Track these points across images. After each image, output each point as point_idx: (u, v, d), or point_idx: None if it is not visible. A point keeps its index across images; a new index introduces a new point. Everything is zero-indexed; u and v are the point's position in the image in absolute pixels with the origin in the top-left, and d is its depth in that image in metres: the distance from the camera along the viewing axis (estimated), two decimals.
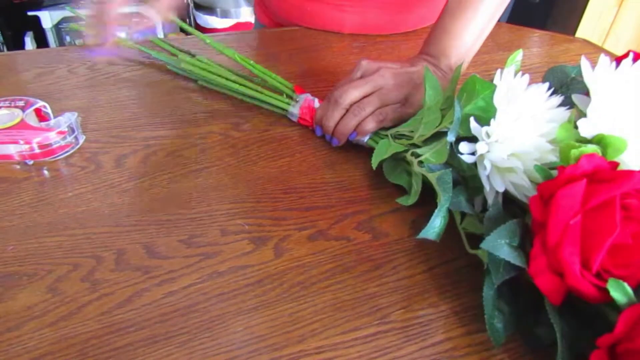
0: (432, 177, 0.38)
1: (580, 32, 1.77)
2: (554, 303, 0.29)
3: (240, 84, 0.53)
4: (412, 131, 0.44)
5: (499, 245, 0.31)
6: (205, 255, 0.37)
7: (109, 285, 0.34)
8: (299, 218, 0.41)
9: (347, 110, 0.47)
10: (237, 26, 1.92)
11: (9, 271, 0.35)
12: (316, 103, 0.51)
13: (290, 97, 0.52)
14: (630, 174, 0.28)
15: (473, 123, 0.37)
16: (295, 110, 0.51)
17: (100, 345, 0.31)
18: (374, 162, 0.43)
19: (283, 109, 0.52)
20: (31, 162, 0.45)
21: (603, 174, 0.30)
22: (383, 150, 0.44)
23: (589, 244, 0.28)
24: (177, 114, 0.53)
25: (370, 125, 0.46)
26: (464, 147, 0.37)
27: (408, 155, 0.42)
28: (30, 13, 1.69)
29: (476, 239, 0.34)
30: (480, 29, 0.53)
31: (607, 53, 0.36)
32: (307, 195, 0.43)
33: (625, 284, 0.27)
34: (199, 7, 2.01)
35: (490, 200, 0.37)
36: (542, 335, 0.32)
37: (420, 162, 0.40)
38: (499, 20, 0.54)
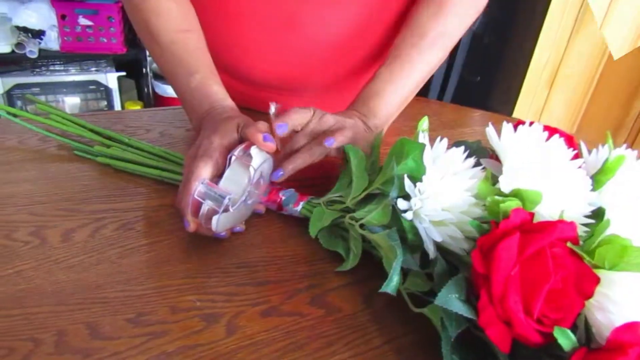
0: (378, 238, 0.40)
1: (518, 110, 1.92)
2: (504, 352, 0.31)
3: (157, 168, 0.54)
4: (342, 196, 0.46)
5: (451, 300, 0.33)
6: (153, 335, 0.36)
7: None
8: (252, 293, 0.40)
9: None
10: None
11: None
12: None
13: None
14: (553, 225, 0.32)
15: (407, 181, 0.40)
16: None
17: None
18: (313, 231, 0.45)
19: None
20: None
21: (529, 225, 0.33)
22: (319, 218, 0.46)
23: (528, 291, 0.30)
24: (131, 187, 0.53)
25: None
26: (402, 203, 0.40)
27: (347, 220, 0.44)
28: None
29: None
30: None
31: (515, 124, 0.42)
32: (261, 269, 0.43)
33: (569, 331, 0.30)
34: (157, 76, 2.05)
35: (431, 253, 0.39)
36: None
37: (361, 226, 0.42)
38: (443, 100, 0.60)
